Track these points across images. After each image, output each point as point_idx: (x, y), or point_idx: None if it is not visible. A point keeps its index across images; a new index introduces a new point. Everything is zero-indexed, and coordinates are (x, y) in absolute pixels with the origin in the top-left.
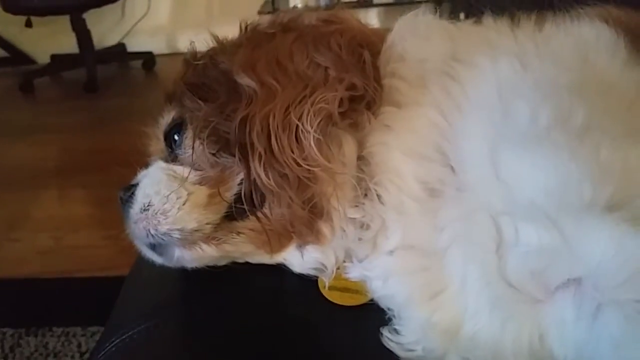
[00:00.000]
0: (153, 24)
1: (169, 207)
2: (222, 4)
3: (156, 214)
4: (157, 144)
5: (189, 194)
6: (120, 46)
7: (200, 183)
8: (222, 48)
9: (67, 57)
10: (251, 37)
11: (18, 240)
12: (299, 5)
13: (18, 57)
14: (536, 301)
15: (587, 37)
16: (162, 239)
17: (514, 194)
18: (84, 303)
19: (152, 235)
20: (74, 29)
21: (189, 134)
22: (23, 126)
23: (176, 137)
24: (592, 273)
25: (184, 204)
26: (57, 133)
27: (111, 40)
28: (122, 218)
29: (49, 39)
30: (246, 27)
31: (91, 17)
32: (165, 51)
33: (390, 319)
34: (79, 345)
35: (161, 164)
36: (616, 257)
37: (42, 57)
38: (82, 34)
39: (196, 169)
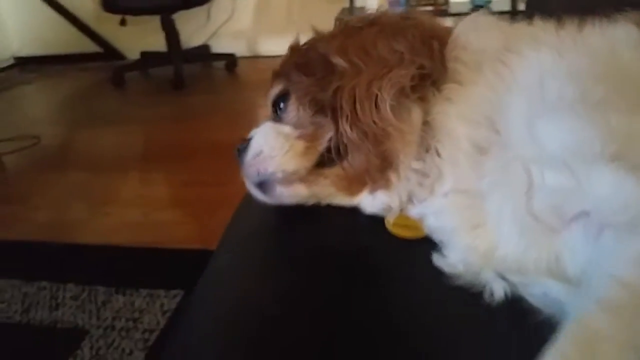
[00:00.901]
0: (236, 27)
1: (275, 154)
2: (302, 11)
3: (265, 159)
4: (266, 110)
5: (290, 146)
6: (205, 47)
7: (299, 138)
8: (321, 37)
9: (155, 55)
10: (344, 29)
11: (110, 214)
12: None
13: (111, 53)
14: (554, 230)
15: (617, 36)
16: (268, 178)
17: (543, 148)
18: (167, 270)
19: (261, 175)
20: (164, 28)
21: (293, 101)
22: (113, 116)
23: (282, 105)
24: (597, 206)
25: (287, 153)
26: (144, 124)
27: (197, 41)
28: (201, 200)
29: (140, 37)
30: (340, 23)
31: (180, 19)
32: (247, 54)
33: (439, 249)
34: (162, 305)
35: (270, 124)
36: (615, 194)
37: (133, 54)
38: (171, 34)
39: (297, 128)
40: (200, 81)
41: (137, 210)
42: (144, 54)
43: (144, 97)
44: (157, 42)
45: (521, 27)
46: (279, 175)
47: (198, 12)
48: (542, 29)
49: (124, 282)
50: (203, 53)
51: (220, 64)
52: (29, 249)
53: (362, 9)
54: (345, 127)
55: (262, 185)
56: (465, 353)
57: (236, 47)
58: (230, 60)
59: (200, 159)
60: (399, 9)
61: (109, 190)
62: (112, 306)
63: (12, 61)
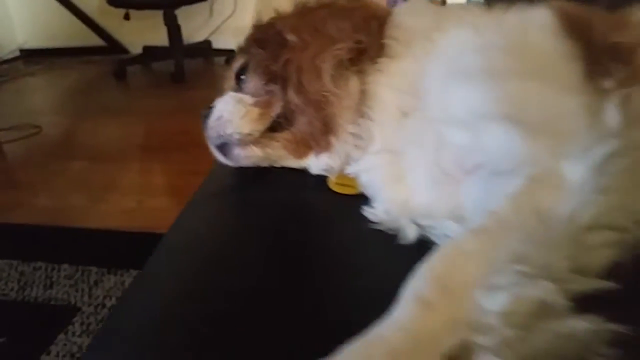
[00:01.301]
0: (238, 24)
1: (233, 118)
2: None
3: (225, 122)
4: (230, 82)
5: (246, 111)
6: (207, 43)
7: (254, 105)
8: (280, 17)
9: (157, 49)
10: (300, 10)
11: (107, 201)
12: None
13: (114, 47)
14: (457, 180)
15: (531, 17)
16: (227, 139)
17: (451, 111)
18: None
19: (221, 136)
20: (166, 23)
21: (250, 72)
22: (115, 108)
23: (242, 77)
24: (489, 159)
25: (243, 117)
26: (144, 115)
27: (199, 37)
28: (194, 188)
29: (143, 31)
30: (298, 4)
31: (183, 14)
32: None
33: (370, 202)
34: None
35: (231, 93)
36: (504, 148)
37: (135, 48)
38: (173, 29)
39: (253, 96)
40: (200, 76)
41: (132, 198)
42: (146, 49)
43: (145, 90)
44: (159, 37)
45: (452, 10)
46: (236, 137)
47: (201, 8)
48: (470, 12)
49: (115, 264)
50: (204, 48)
51: (221, 59)
52: (27, 232)
53: None
54: (292, 94)
55: (223, 147)
56: (382, 276)
57: (237, 43)
58: (231, 56)
59: (197, 150)
60: None
61: (107, 179)
62: (104, 285)
63: (17, 53)
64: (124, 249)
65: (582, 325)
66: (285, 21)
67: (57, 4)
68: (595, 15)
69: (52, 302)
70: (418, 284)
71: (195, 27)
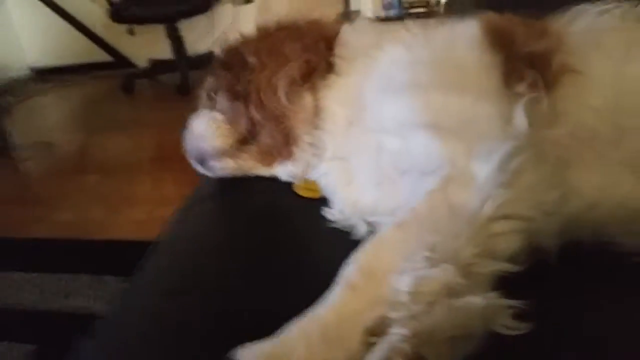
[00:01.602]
0: None
1: (207, 133)
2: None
3: (200, 137)
4: (204, 101)
5: (217, 128)
6: (212, 54)
7: (224, 121)
8: (244, 40)
9: (163, 62)
10: (261, 34)
11: (119, 212)
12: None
13: (121, 61)
14: (395, 182)
15: (459, 31)
16: (203, 153)
17: (384, 121)
18: None
19: (197, 150)
20: (169, 37)
21: (219, 92)
22: (124, 121)
23: (213, 95)
24: (417, 163)
25: (214, 132)
26: (153, 127)
27: (204, 48)
28: None
29: (149, 45)
30: (260, 28)
31: (187, 27)
32: None
33: (329, 204)
34: None
35: (205, 111)
36: (427, 153)
37: (142, 62)
38: (176, 42)
39: (222, 113)
40: None
41: (145, 208)
42: (152, 62)
43: (152, 103)
44: (165, 50)
45: (392, 28)
46: (210, 150)
47: (204, 20)
48: (406, 29)
49: (132, 273)
50: (209, 59)
51: None
52: (46, 245)
53: (358, 12)
54: (253, 111)
55: (200, 160)
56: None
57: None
58: None
59: None
60: (393, 12)
61: (121, 191)
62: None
63: (27, 72)
64: (137, 257)
65: (479, 300)
66: (248, 45)
67: (64, 22)
68: (519, 26)
69: (72, 312)
70: (348, 272)
71: (200, 38)
